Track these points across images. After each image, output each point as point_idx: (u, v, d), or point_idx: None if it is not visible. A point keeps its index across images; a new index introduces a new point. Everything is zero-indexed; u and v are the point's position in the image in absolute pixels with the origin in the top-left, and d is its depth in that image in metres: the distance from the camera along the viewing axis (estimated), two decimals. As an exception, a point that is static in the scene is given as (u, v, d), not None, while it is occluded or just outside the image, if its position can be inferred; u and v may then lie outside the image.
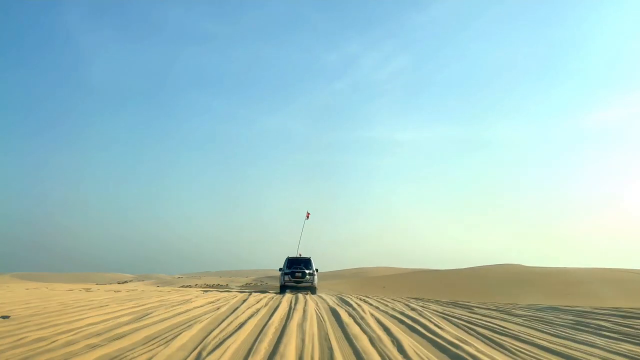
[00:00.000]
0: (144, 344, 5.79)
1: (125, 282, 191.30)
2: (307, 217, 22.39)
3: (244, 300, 12.51)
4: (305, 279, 18.73)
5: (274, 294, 17.56)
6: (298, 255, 20.51)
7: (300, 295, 15.95)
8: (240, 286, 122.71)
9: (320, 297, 16.38)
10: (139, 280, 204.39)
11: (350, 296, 17.74)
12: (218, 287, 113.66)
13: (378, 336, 7.09)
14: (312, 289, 18.79)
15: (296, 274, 18.80)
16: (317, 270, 19.47)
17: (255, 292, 21.27)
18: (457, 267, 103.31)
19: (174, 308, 9.77)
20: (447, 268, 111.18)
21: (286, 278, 18.98)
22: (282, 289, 19.11)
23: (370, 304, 13.18)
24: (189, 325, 7.45)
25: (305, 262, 19.29)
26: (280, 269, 19.76)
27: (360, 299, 15.23)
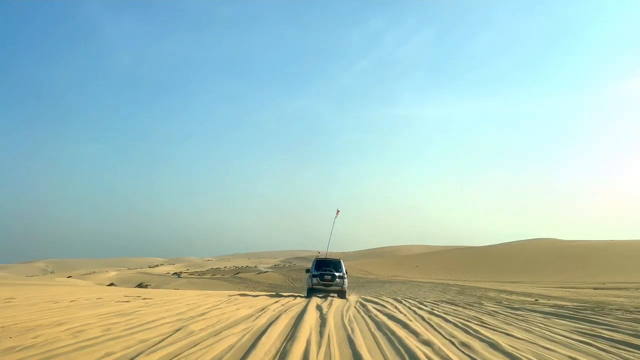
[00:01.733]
0: None
1: (156, 265, 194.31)
2: (337, 214, 21.65)
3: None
4: (335, 282, 17.68)
5: (283, 301, 15.56)
6: (326, 257, 19.67)
7: (304, 323, 9.23)
8: (268, 267, 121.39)
9: (343, 325, 9.43)
10: (170, 264, 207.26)
11: (399, 308, 12.14)
12: (246, 268, 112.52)
13: None
14: (341, 293, 17.85)
15: (325, 276, 17.73)
16: (346, 273, 18.59)
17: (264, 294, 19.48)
18: (488, 244, 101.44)
19: None
20: (476, 245, 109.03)
21: (314, 281, 17.92)
22: (310, 292, 18.14)
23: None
24: None
25: (335, 264, 18.31)
26: (307, 270, 18.92)
27: (428, 325, 9.34)
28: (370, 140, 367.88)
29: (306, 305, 12.35)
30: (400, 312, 11.89)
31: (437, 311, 12.92)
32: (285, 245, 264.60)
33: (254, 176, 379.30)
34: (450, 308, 13.59)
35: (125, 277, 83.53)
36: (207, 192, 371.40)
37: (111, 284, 74.03)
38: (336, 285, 17.78)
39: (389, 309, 12.59)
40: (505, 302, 18.78)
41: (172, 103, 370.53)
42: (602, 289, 38.76)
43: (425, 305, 14.68)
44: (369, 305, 14.16)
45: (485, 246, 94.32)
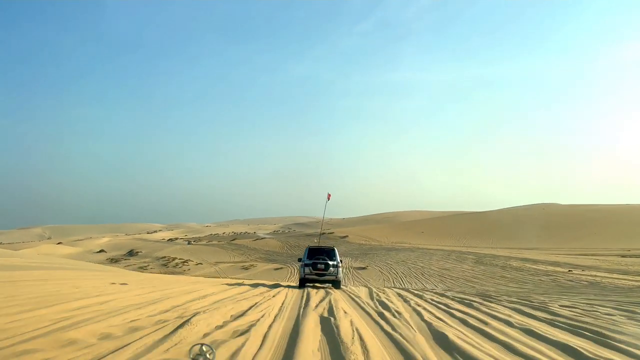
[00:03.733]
0: None
1: (155, 231, 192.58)
2: (329, 198, 22.13)
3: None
4: (329, 271, 16.60)
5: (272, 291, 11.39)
6: (319, 244, 19.27)
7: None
8: (267, 233, 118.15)
9: None
10: (169, 230, 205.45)
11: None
12: (245, 235, 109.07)
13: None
14: (336, 283, 16.74)
15: (318, 265, 16.51)
16: (341, 261, 17.74)
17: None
18: (489, 209, 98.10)
19: None
20: (478, 210, 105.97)
21: (306, 270, 16.64)
22: (302, 283, 16.92)
23: None
24: None
25: (328, 252, 17.32)
26: (299, 260, 17.94)
27: None
28: (371, 105, 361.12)
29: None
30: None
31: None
32: (285, 211, 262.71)
33: (255, 142, 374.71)
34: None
35: (118, 244, 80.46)
36: (208, 158, 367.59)
37: (101, 251, 71.09)
38: (330, 274, 16.52)
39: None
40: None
41: (173, 67, 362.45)
42: (629, 256, 35.52)
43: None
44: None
45: (490, 211, 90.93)
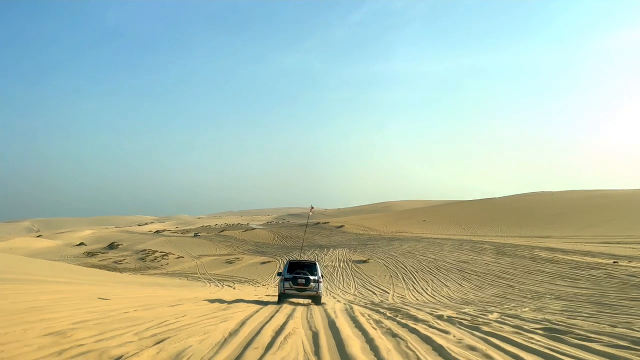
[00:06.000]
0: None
1: (145, 223, 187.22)
2: (311, 211, 22.55)
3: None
4: (310, 286, 16.19)
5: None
6: (299, 259, 19.27)
7: None
8: (260, 224, 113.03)
9: None
10: (160, 222, 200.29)
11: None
12: (237, 226, 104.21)
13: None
14: (316, 299, 16.26)
15: (298, 280, 16.10)
16: (322, 276, 17.14)
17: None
18: (483, 197, 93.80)
19: None
20: (473, 198, 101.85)
21: (286, 285, 16.19)
22: (281, 298, 16.37)
23: None
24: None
25: (310, 267, 16.92)
26: (279, 274, 17.61)
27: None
28: (364, 95, 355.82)
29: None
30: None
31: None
32: (279, 202, 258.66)
33: (251, 134, 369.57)
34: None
35: (101, 236, 75.87)
36: (201, 150, 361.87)
37: (81, 244, 66.60)
38: (311, 289, 16.05)
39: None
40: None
41: (163, 59, 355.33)
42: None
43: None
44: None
45: (483, 199, 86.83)
